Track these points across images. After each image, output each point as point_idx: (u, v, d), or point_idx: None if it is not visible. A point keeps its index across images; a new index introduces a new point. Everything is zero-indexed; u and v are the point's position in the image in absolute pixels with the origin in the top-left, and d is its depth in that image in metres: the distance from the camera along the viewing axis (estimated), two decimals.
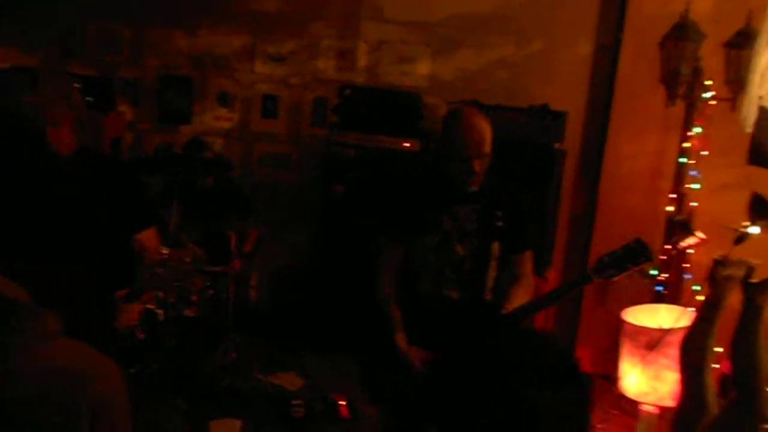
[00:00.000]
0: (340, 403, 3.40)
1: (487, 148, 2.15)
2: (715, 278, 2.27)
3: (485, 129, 2.14)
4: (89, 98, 4.45)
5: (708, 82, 3.40)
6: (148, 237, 2.41)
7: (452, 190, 2.22)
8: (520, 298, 2.22)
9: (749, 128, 2.87)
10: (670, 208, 3.56)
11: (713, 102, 3.43)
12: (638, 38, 3.71)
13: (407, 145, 3.90)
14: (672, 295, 3.50)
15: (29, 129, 2.17)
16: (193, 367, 3.46)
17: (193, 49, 4.65)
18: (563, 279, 4.10)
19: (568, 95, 3.90)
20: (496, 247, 2.22)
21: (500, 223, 2.19)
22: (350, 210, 3.93)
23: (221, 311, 3.61)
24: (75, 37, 4.73)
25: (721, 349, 2.36)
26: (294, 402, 3.40)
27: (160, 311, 2.91)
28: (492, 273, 2.24)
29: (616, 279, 2.00)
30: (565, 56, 3.99)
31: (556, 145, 3.72)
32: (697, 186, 3.53)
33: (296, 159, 4.61)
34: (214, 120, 4.69)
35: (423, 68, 4.28)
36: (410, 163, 3.82)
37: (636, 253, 1.97)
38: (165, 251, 2.76)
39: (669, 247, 3.46)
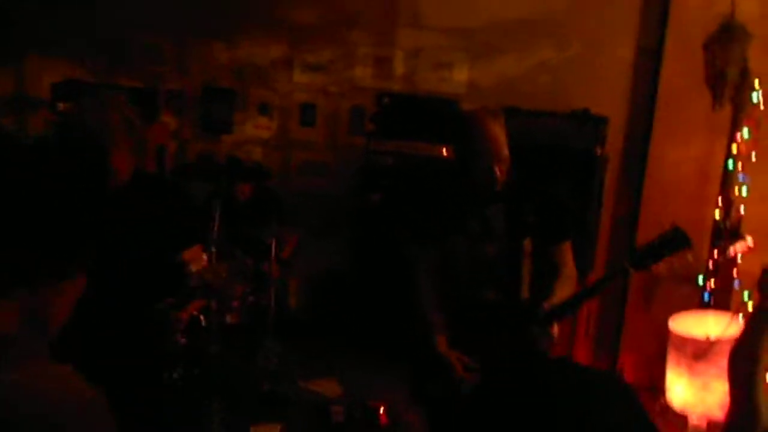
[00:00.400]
0: (380, 409, 3.40)
1: (506, 150, 2.13)
2: (765, 286, 2.21)
3: (501, 133, 2.14)
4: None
5: (756, 84, 3.31)
6: (194, 253, 2.43)
7: (477, 192, 2.22)
8: (561, 291, 2.19)
9: None
10: (717, 214, 3.46)
11: (762, 105, 3.34)
12: (682, 40, 3.63)
13: (445, 152, 3.89)
14: (720, 303, 3.40)
15: (93, 149, 2.15)
16: (234, 372, 3.51)
17: (234, 61, 4.74)
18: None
19: (609, 100, 3.84)
20: (527, 243, 2.19)
21: (530, 218, 2.16)
22: (386, 218, 3.94)
23: (261, 317, 3.66)
24: (121, 50, 4.87)
25: None
26: (334, 408, 3.41)
27: (202, 317, 2.96)
28: (527, 269, 2.21)
29: (655, 269, 1.94)
30: (606, 60, 3.93)
31: (598, 151, 3.66)
32: (744, 191, 3.43)
33: (333, 167, 4.65)
34: (254, 129, 4.77)
35: (461, 74, 4.27)
36: (438, 170, 3.82)
37: (673, 241, 1.92)
38: (206, 260, 2.80)
39: (716, 254, 3.37)
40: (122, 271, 2.21)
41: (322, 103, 4.63)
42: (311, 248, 4.39)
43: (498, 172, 2.12)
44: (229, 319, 3.46)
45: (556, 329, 2.09)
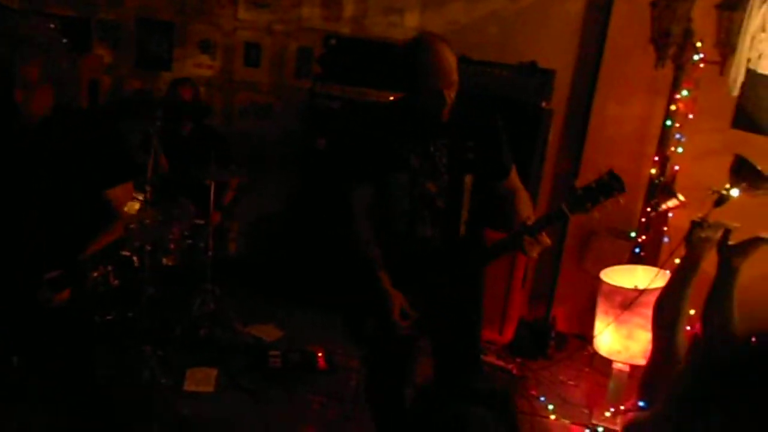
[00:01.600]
0: (318, 354, 3.43)
1: (455, 75, 2.07)
2: (692, 239, 2.29)
3: (451, 56, 2.07)
4: (65, 40, 4.33)
5: (698, 44, 3.37)
6: (122, 193, 2.31)
7: (419, 125, 2.15)
8: (528, 209, 2.21)
9: (736, 91, 2.86)
10: (653, 171, 3.56)
11: (702, 65, 3.41)
12: None
13: (392, 98, 3.82)
14: (650, 257, 3.53)
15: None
16: (171, 316, 3.45)
17: None
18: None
19: (557, 53, 3.84)
20: (468, 180, 2.17)
21: (471, 155, 2.14)
22: (331, 162, 3.89)
23: (199, 261, 3.58)
24: None
25: (693, 312, 2.40)
26: (271, 353, 3.41)
27: (135, 258, 2.87)
28: (465, 206, 2.20)
29: (591, 212, 1.97)
30: (556, 12, 3.91)
31: (544, 104, 3.68)
32: (680, 150, 3.53)
33: (278, 110, 4.53)
34: (195, 67, 4.57)
35: (412, 20, 4.18)
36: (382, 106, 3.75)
37: (609, 185, 1.94)
38: (138, 201, 2.68)
39: (649, 209, 3.47)
40: (38, 205, 2.12)
41: (268, 43, 4.47)
42: (253, 192, 4.30)
43: (447, 97, 2.06)
44: (165, 261, 3.37)
45: (546, 237, 2.06)
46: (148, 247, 3.00)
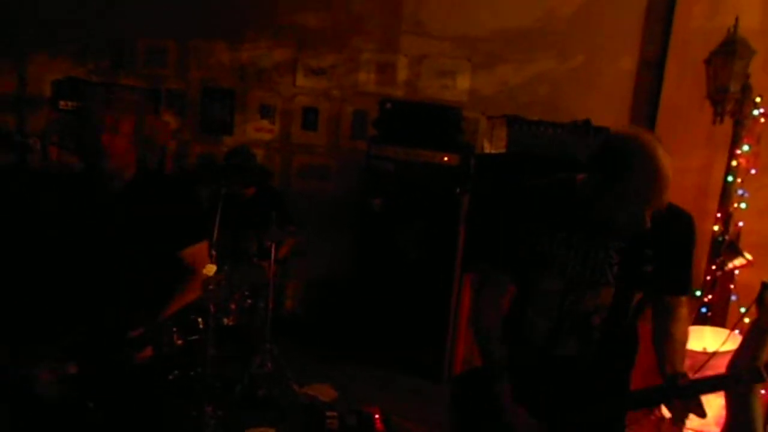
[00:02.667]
0: (375, 416, 3.40)
1: (668, 194, 1.64)
2: (764, 301, 2.21)
3: (669, 169, 1.63)
4: None
5: (757, 99, 3.32)
6: (198, 253, 2.40)
7: (590, 222, 1.72)
8: (681, 354, 1.82)
9: None
10: (716, 228, 3.47)
11: (763, 119, 3.35)
12: (684, 53, 3.65)
13: (446, 159, 3.90)
14: (717, 317, 3.40)
15: (89, 128, 2.09)
16: (231, 375, 3.50)
17: (236, 62, 4.75)
18: None
19: (610, 111, 3.85)
20: (638, 297, 1.78)
21: (649, 268, 1.71)
22: (387, 223, 3.95)
23: (259, 320, 3.65)
24: (125, 51, 4.88)
25: None
26: (328, 414, 3.41)
27: (199, 319, 2.95)
28: (626, 324, 1.82)
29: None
30: (608, 71, 3.95)
31: None
32: (744, 205, 3.44)
33: (335, 171, 4.65)
34: (255, 131, 4.78)
35: (463, 82, 4.28)
36: (445, 184, 3.73)
37: None
38: (211, 270, 2.79)
39: (715, 268, 3.37)
40: (123, 267, 2.21)
41: (325, 107, 4.64)
42: (311, 251, 4.39)
43: (648, 217, 1.63)
44: (226, 321, 3.45)
45: (703, 407, 1.69)
46: (212, 308, 3.09)
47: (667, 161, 1.64)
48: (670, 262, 1.75)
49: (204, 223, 2.59)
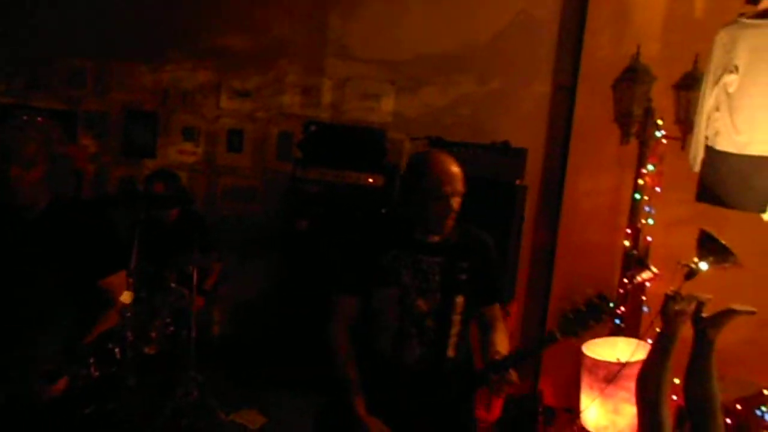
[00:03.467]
0: None
1: (462, 186, 2.10)
2: (667, 312, 2.35)
3: (458, 167, 2.11)
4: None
5: (659, 122, 3.54)
6: (117, 281, 2.32)
7: (414, 240, 2.13)
8: (503, 343, 2.16)
9: (697, 167, 2.99)
10: (627, 243, 3.66)
11: (664, 141, 3.58)
12: (593, 79, 3.86)
13: (371, 180, 3.94)
14: (630, 327, 3.57)
15: None
16: (153, 406, 3.38)
17: (159, 84, 4.66)
18: (525, 313, 4.16)
19: (528, 133, 4.01)
20: (460, 301, 2.12)
21: (464, 276, 2.11)
22: (312, 245, 3.94)
23: (182, 348, 3.55)
24: (40, 71, 4.70)
25: (677, 381, 2.42)
26: None
27: (117, 349, 2.84)
28: (455, 328, 2.13)
29: (580, 336, 1.97)
30: (525, 94, 4.12)
31: (518, 182, 3.81)
32: (651, 221, 3.65)
33: (260, 192, 4.62)
34: (179, 154, 4.69)
35: (387, 105, 4.36)
36: (370, 205, 3.81)
37: (598, 309, 1.95)
38: (128, 298, 2.70)
39: (626, 281, 3.55)
40: (35, 298, 2.12)
41: (250, 129, 4.61)
42: (238, 274, 4.32)
43: (455, 205, 2.07)
44: (147, 350, 3.34)
45: (514, 375, 2.02)
46: (130, 336, 2.99)
47: (453, 160, 2.11)
48: (479, 273, 2.15)
49: (121, 250, 2.51)
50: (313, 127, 4.09)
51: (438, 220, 2.10)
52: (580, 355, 3.14)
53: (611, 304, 1.96)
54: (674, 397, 2.66)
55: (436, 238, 2.14)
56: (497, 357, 2.07)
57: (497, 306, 2.28)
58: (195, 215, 4.08)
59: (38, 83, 4.72)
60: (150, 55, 4.62)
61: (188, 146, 4.68)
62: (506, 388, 2.02)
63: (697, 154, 2.95)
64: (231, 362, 4.16)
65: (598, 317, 1.96)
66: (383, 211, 3.80)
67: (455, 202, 2.08)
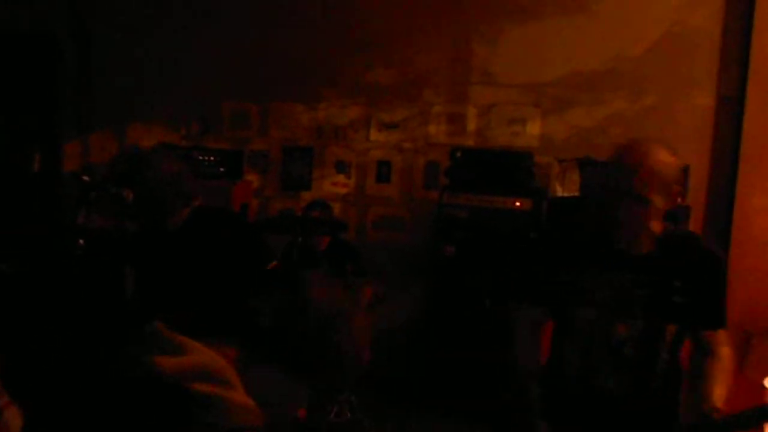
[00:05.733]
0: None
1: (671, 189, 1.75)
2: None
3: (671, 163, 1.76)
4: (222, 169, 4.90)
5: None
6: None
7: (615, 249, 1.78)
8: (720, 387, 1.79)
9: None
10: None
11: None
12: (764, 87, 3.53)
13: (518, 204, 3.89)
14: None
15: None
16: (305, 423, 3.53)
17: (313, 121, 5.00)
18: None
19: (688, 149, 3.74)
20: (670, 329, 1.78)
21: (678, 298, 1.75)
22: (461, 269, 3.94)
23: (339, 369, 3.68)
24: (212, 115, 5.24)
25: None
26: None
27: None
28: (664, 357, 1.79)
29: None
30: (683, 108, 3.86)
31: (678, 201, 3.54)
32: None
33: (409, 221, 4.73)
34: (332, 186, 4.95)
35: (534, 128, 4.30)
36: (518, 229, 3.73)
37: None
38: None
39: None
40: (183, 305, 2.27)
41: (397, 160, 4.77)
42: (388, 300, 4.42)
43: (652, 212, 1.71)
44: None
45: None
46: None
47: (661, 158, 1.80)
48: (698, 295, 1.78)
49: (263, 251, 2.56)
50: (459, 153, 4.14)
51: (629, 228, 1.77)
52: (762, 389, 2.82)
53: None
54: None
55: (643, 250, 1.79)
56: (714, 415, 1.73)
57: (722, 336, 1.86)
58: (347, 245, 4.27)
59: (210, 127, 5.26)
60: (306, 95, 4.98)
61: (341, 178, 4.94)
62: None
63: None
64: (379, 386, 4.23)
65: None
66: (531, 235, 3.72)
67: (654, 211, 1.75)
